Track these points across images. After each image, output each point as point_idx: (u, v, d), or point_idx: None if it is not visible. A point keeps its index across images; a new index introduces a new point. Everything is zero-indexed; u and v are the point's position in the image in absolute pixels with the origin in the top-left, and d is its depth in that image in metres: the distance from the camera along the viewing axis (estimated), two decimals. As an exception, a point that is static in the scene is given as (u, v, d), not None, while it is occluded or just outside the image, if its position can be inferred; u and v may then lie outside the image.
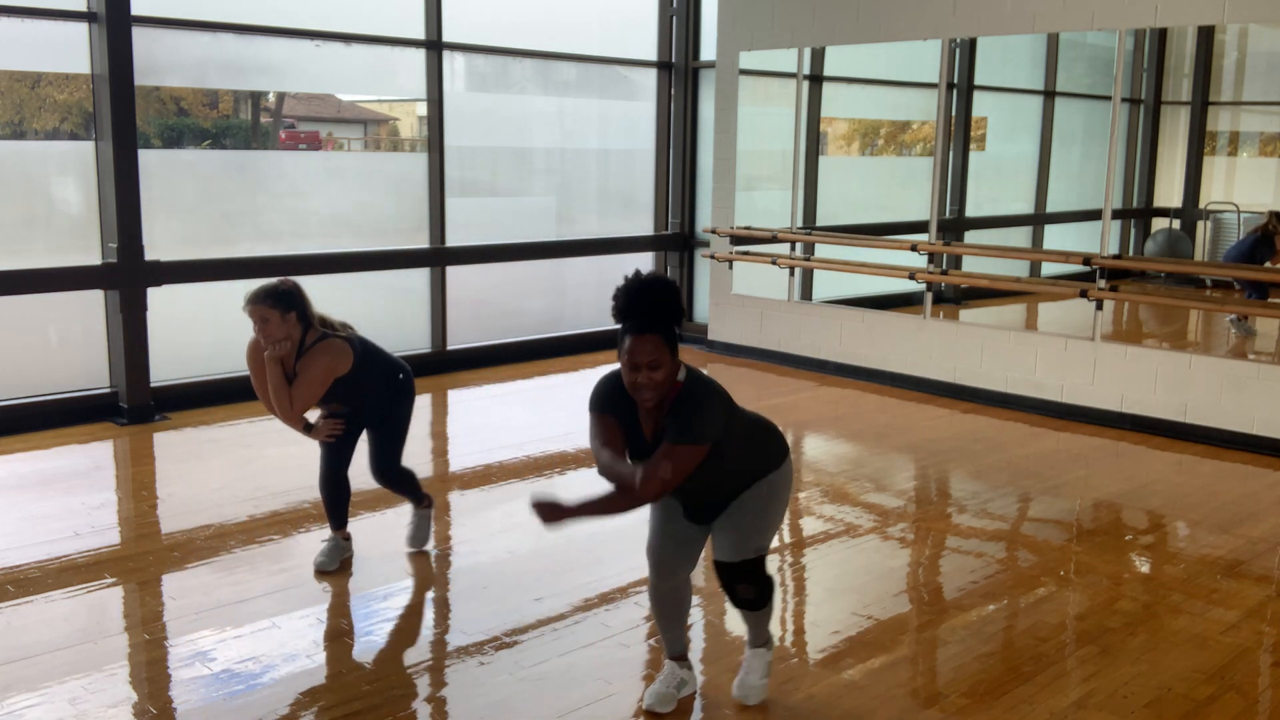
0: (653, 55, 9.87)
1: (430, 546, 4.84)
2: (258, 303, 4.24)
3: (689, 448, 3.05)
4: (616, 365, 3.24)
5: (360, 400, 4.48)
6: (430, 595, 4.44)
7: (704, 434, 3.07)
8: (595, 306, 9.80)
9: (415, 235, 8.39)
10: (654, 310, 3.02)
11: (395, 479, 4.67)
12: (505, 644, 3.92)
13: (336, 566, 4.55)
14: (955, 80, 9.36)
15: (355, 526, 4.81)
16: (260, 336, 4.27)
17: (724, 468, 3.22)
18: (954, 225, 9.67)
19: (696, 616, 4.19)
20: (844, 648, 3.94)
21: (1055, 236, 10.70)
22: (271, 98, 8.49)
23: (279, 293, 4.25)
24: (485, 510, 5.44)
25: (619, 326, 3.08)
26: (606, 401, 3.19)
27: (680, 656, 3.54)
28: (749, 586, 3.36)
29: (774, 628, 4.12)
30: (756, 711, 3.48)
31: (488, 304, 9.08)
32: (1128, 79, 10.72)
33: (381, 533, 4.99)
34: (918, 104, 9.98)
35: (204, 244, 7.47)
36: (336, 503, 4.58)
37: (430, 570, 4.69)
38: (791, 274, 8.84)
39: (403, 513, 5.29)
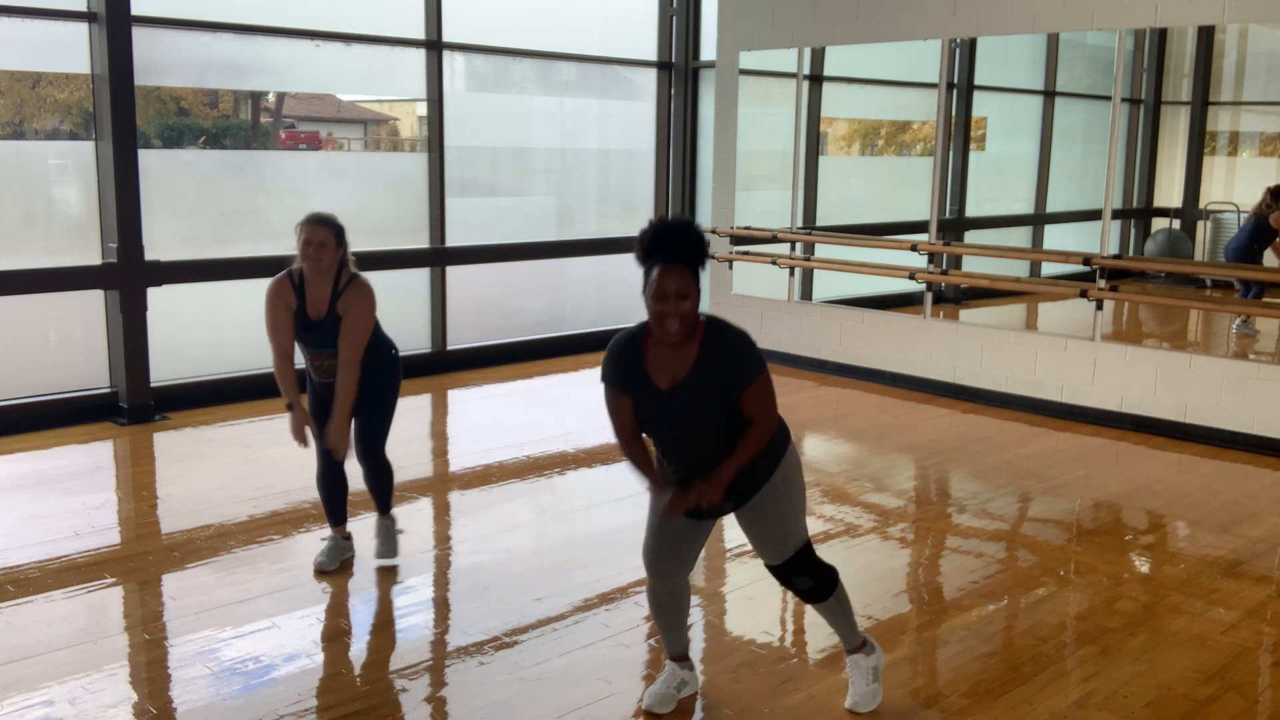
0: (653, 55, 9.88)
1: (398, 559, 4.68)
2: (320, 224, 4.24)
3: (764, 376, 3.13)
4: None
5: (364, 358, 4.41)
6: (430, 595, 4.44)
7: (761, 360, 3.15)
8: (595, 306, 9.81)
9: (415, 235, 8.40)
10: (682, 243, 3.06)
11: (379, 463, 4.55)
12: (505, 644, 3.92)
13: (336, 566, 4.55)
14: (955, 80, 9.36)
15: (355, 526, 4.80)
16: (308, 260, 4.22)
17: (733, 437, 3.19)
18: (954, 225, 9.67)
19: (696, 616, 4.19)
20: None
21: (1055, 236, 10.70)
22: (271, 98, 8.49)
23: (337, 224, 4.29)
24: (485, 510, 5.44)
25: (644, 265, 3.10)
26: (617, 369, 3.18)
27: (681, 657, 3.54)
28: (805, 577, 3.39)
29: (774, 628, 4.13)
30: (756, 713, 3.48)
31: (488, 304, 9.08)
32: (1128, 79, 10.72)
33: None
34: (918, 104, 9.98)
35: (204, 244, 7.48)
36: (335, 499, 4.56)
37: (430, 570, 4.69)
38: (791, 274, 8.84)
39: (402, 512, 5.29)
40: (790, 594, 4.44)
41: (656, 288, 3.02)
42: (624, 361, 3.18)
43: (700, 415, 3.12)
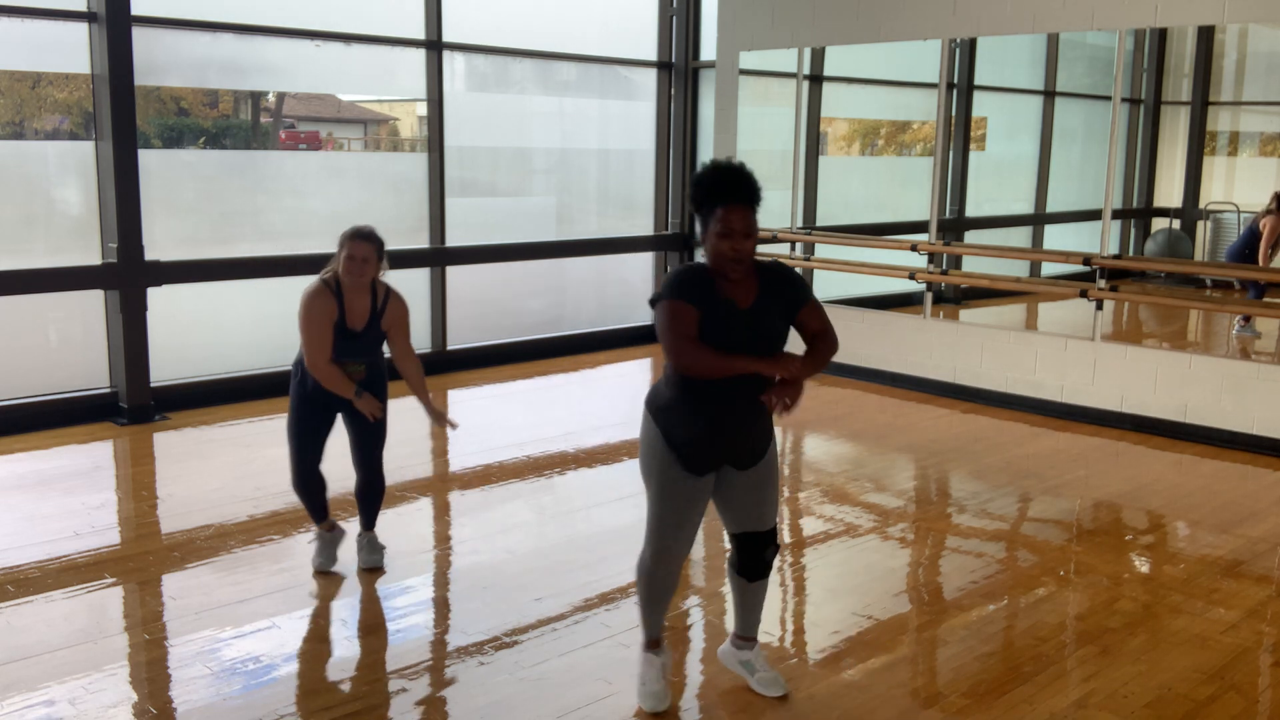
0: (653, 55, 9.88)
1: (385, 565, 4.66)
2: (365, 240, 4.27)
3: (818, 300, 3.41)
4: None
5: (378, 366, 4.49)
6: (430, 595, 4.44)
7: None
8: (595, 306, 9.81)
9: (415, 235, 8.39)
10: (745, 183, 3.17)
11: (379, 471, 4.57)
12: (505, 644, 3.92)
13: (335, 563, 4.55)
14: (955, 80, 9.36)
15: (356, 526, 4.80)
16: (353, 275, 4.25)
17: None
18: (954, 225, 9.67)
19: (696, 616, 4.20)
20: (844, 648, 3.94)
21: (1055, 236, 10.70)
22: (271, 98, 8.49)
23: (380, 239, 4.33)
24: (485, 510, 5.45)
25: (702, 208, 3.18)
26: (688, 289, 3.19)
27: (658, 641, 3.56)
28: (774, 546, 3.51)
29: (774, 628, 4.13)
30: (755, 711, 3.48)
31: (488, 304, 9.08)
32: (1128, 79, 10.72)
33: (381, 533, 4.98)
34: (918, 104, 9.98)
35: (204, 244, 7.47)
36: (318, 498, 4.54)
37: (430, 570, 4.69)
38: (791, 274, 8.82)
39: (402, 512, 5.30)
40: (788, 595, 4.45)
41: (723, 226, 3.12)
42: (697, 284, 3.21)
43: (777, 333, 3.26)
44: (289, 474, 4.55)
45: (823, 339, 3.34)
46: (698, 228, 3.24)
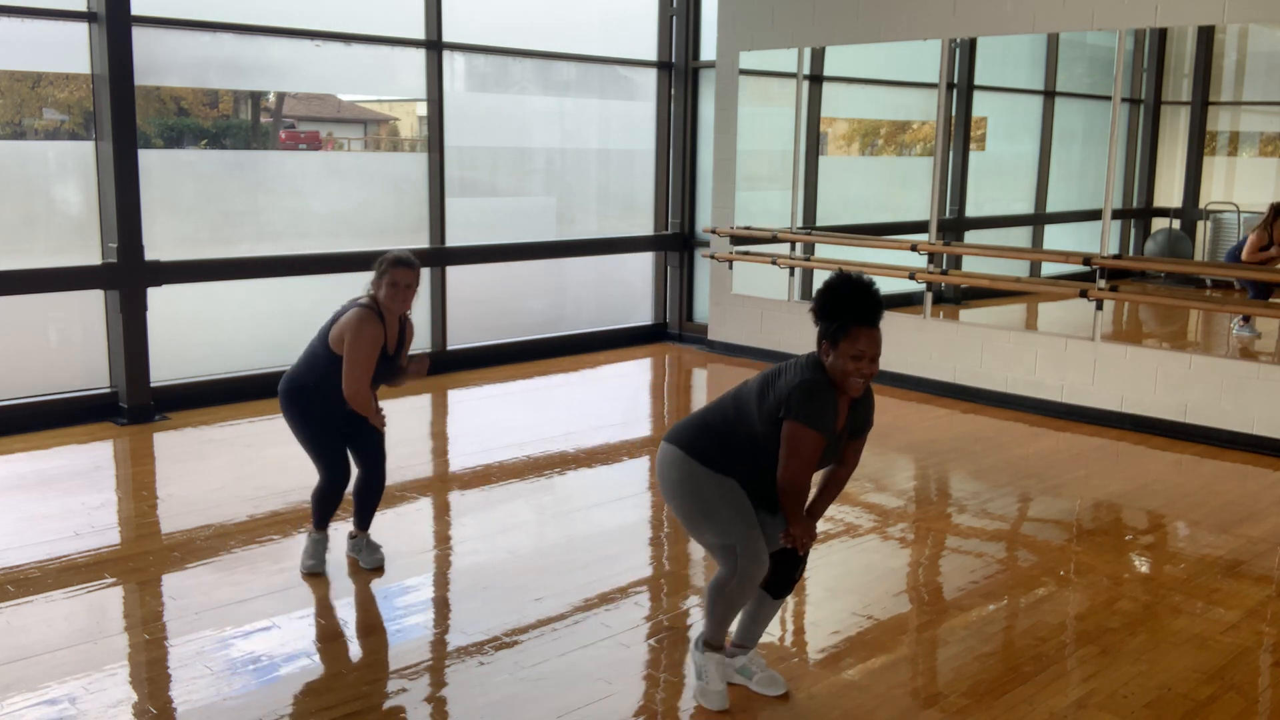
0: (653, 55, 9.87)
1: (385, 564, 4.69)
2: (409, 268, 4.34)
3: None
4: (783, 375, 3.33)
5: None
6: (430, 595, 4.44)
7: None
8: (595, 306, 9.81)
9: (415, 235, 8.39)
10: (876, 306, 3.21)
11: (384, 473, 4.60)
12: (505, 644, 3.92)
13: (325, 565, 4.55)
14: (955, 80, 9.35)
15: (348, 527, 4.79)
16: (398, 302, 4.33)
17: None
18: (954, 225, 9.66)
19: (696, 616, 4.19)
20: (844, 648, 3.94)
21: (1055, 236, 10.69)
22: (271, 98, 8.48)
23: (419, 265, 4.40)
24: (485, 510, 5.45)
25: (830, 322, 3.21)
26: (830, 423, 3.26)
27: (723, 644, 3.58)
28: (803, 564, 3.57)
29: (774, 628, 4.13)
30: (755, 711, 3.48)
31: (488, 304, 9.08)
32: (1128, 79, 10.72)
33: (381, 533, 4.98)
34: (918, 104, 9.97)
35: (204, 244, 7.47)
36: (334, 507, 4.54)
37: (430, 570, 4.69)
38: (791, 274, 8.84)
39: (402, 513, 5.30)
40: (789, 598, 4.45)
41: (858, 349, 3.18)
42: (834, 412, 3.28)
43: (838, 453, 3.39)
44: (318, 484, 4.49)
45: (850, 466, 3.45)
46: (819, 337, 3.26)
